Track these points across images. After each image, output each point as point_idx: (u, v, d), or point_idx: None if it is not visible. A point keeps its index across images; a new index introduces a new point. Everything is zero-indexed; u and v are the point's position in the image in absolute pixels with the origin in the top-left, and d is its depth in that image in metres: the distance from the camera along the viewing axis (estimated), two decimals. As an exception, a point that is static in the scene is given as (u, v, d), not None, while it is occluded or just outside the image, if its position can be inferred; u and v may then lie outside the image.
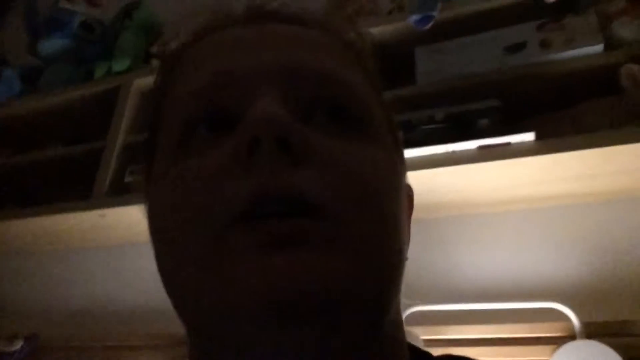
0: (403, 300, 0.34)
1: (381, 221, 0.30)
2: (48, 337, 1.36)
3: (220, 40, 0.36)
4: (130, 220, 1.28)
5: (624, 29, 0.98)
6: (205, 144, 0.31)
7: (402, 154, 0.38)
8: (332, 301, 0.26)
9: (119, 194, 1.24)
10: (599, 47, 0.97)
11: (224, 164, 0.29)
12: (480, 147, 0.94)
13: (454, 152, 0.96)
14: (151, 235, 0.34)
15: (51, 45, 1.55)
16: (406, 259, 0.33)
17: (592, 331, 0.88)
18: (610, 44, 0.97)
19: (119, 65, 1.41)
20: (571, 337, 0.89)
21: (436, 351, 0.38)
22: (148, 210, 0.35)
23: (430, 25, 1.07)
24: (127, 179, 1.26)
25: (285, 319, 0.25)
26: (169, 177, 0.31)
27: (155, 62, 1.42)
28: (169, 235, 0.30)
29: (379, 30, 1.14)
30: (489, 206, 1.07)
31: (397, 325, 0.34)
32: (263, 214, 0.26)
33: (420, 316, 0.93)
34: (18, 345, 1.34)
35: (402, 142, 0.39)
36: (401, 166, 0.36)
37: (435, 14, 1.07)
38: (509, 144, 0.92)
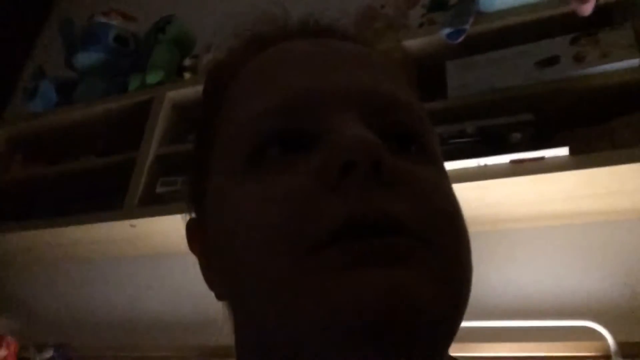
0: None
1: (462, 242, 0.31)
2: (78, 346, 1.38)
3: (287, 55, 0.35)
4: (161, 230, 1.30)
5: (661, 44, 0.96)
6: (278, 163, 0.31)
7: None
8: (427, 321, 0.26)
9: (150, 205, 1.26)
10: (635, 62, 0.96)
11: (312, 184, 0.29)
12: (513, 162, 0.93)
13: (485, 166, 0.95)
14: (218, 249, 0.33)
15: (86, 58, 1.59)
16: None
17: (628, 351, 0.86)
18: (647, 59, 0.96)
19: (152, 77, 1.44)
20: (606, 357, 0.87)
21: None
22: (212, 225, 0.34)
23: (462, 38, 1.07)
24: (159, 190, 1.29)
25: (379, 336, 0.25)
26: (246, 193, 0.31)
27: (187, 75, 1.45)
28: (252, 249, 0.30)
29: (410, 43, 1.14)
30: (521, 221, 1.06)
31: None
32: (356, 234, 0.27)
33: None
34: (49, 354, 1.36)
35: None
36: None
37: (467, 27, 1.07)
38: (542, 158, 0.91)
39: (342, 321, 0.25)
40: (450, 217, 0.31)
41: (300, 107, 0.32)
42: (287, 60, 0.35)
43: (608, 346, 0.87)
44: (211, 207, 0.35)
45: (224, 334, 1.24)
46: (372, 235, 0.26)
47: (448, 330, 0.28)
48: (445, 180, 0.34)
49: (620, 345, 0.86)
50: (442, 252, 0.28)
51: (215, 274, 0.36)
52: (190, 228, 0.40)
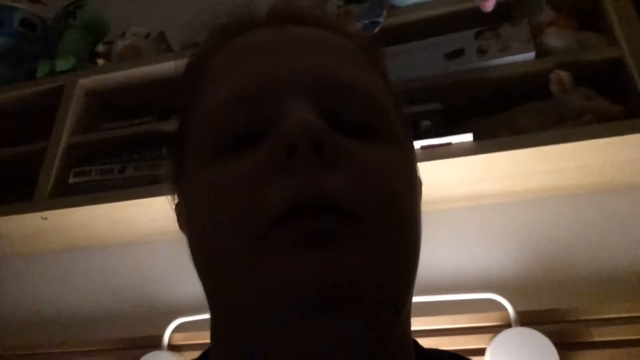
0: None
1: (404, 223, 0.32)
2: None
3: (249, 44, 0.37)
4: (74, 223, 1.25)
5: (553, 38, 1.05)
6: (240, 149, 0.32)
7: (412, 144, 0.41)
8: (359, 295, 0.28)
9: (63, 196, 1.21)
10: (530, 55, 1.04)
11: (261, 169, 0.30)
12: (423, 147, 0.98)
13: (398, 152, 1.00)
14: (188, 229, 0.36)
15: (-11, 42, 1.49)
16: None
17: (526, 319, 0.93)
18: (541, 52, 1.04)
19: (63, 64, 1.37)
20: (507, 325, 0.94)
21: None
22: (186, 209, 0.37)
23: (376, 30, 1.11)
24: (72, 180, 1.24)
25: (322, 310, 0.27)
26: (206, 181, 0.33)
27: (101, 62, 1.40)
28: (211, 233, 0.32)
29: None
30: (431, 204, 1.12)
31: (408, 315, 0.36)
32: (299, 216, 0.28)
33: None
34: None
35: (411, 132, 0.41)
36: (414, 159, 0.39)
37: (381, 20, 1.11)
38: (449, 144, 0.97)
39: (284, 298, 0.28)
40: (390, 195, 0.32)
41: (258, 96, 0.33)
42: (248, 50, 0.37)
43: (508, 315, 0.94)
44: (185, 194, 0.38)
45: (140, 326, 1.20)
46: (310, 216, 0.28)
47: (387, 303, 0.30)
48: (399, 160, 0.34)
49: (519, 314, 0.94)
50: (374, 231, 0.30)
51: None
52: (179, 211, 0.41)
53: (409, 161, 0.37)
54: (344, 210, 0.29)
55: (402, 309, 0.32)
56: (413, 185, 0.36)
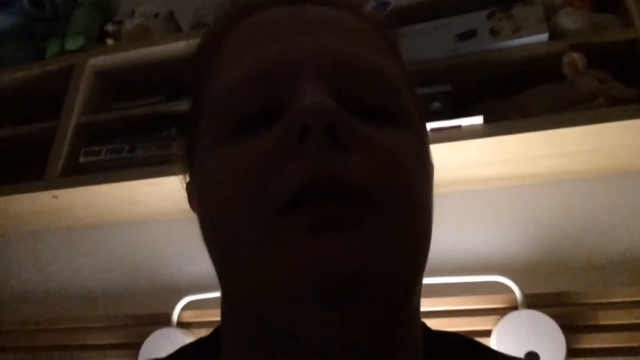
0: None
1: (417, 206, 0.32)
2: (-1, 320, 1.33)
3: (264, 23, 0.36)
4: (84, 202, 1.27)
5: (567, 20, 1.03)
6: (253, 130, 0.32)
7: (426, 127, 0.41)
8: (374, 276, 0.28)
9: (73, 175, 1.22)
10: (544, 36, 1.02)
11: (273, 151, 0.30)
12: (433, 130, 0.98)
13: (407, 134, 0.99)
14: (199, 209, 0.36)
15: (-1, 21, 1.50)
16: None
17: (533, 302, 0.94)
18: (555, 34, 1.03)
19: (73, 43, 1.38)
20: (514, 307, 0.94)
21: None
22: (197, 189, 0.37)
23: (387, 11, 1.10)
24: (82, 159, 1.25)
25: (332, 296, 0.27)
26: (218, 162, 0.33)
27: (110, 41, 1.39)
28: (221, 214, 0.32)
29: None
30: (440, 186, 1.11)
31: (419, 296, 0.36)
32: (312, 198, 0.28)
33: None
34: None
35: (424, 113, 0.41)
36: (427, 143, 0.39)
37: (392, 0, 1.10)
38: (459, 126, 0.97)
39: (299, 284, 0.28)
40: (403, 178, 0.31)
41: (272, 77, 0.33)
42: (263, 29, 0.36)
43: (515, 298, 0.94)
44: (196, 172, 0.37)
45: (150, 304, 1.22)
46: (321, 200, 0.28)
47: (396, 284, 0.30)
48: (412, 144, 0.34)
49: (526, 296, 0.94)
50: (387, 214, 0.29)
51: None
52: (189, 190, 0.41)
53: (422, 145, 0.36)
54: (356, 193, 0.29)
55: (414, 290, 0.32)
56: (426, 168, 0.36)
